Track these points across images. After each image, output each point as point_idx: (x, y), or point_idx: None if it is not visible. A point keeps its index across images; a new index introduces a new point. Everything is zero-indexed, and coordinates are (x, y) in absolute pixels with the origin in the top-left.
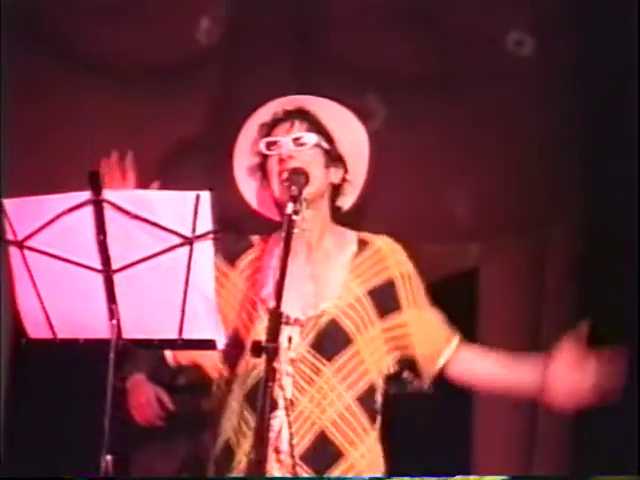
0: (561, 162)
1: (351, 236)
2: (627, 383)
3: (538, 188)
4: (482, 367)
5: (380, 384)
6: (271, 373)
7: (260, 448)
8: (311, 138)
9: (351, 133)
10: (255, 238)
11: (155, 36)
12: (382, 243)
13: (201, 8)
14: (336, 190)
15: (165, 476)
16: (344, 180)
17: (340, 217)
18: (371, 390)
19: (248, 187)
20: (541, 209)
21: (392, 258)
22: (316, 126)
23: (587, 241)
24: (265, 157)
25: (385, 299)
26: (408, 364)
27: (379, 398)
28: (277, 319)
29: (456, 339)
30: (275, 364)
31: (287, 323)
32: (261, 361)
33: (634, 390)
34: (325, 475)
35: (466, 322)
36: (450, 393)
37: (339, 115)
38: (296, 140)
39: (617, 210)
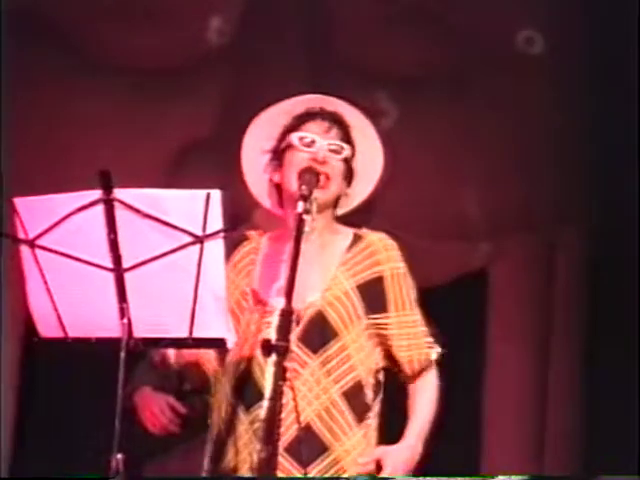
0: (572, 161)
1: (347, 231)
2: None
3: (549, 187)
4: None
5: (369, 381)
6: (282, 372)
7: (270, 446)
8: (345, 149)
9: (369, 154)
10: (251, 232)
11: (166, 35)
12: (375, 238)
13: (212, 7)
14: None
15: (170, 476)
16: (345, 194)
17: (350, 215)
18: (358, 387)
19: (254, 169)
20: (552, 208)
21: (384, 254)
22: (347, 137)
23: (597, 241)
24: (289, 147)
25: (373, 296)
26: (392, 361)
27: (369, 394)
28: (288, 318)
29: (436, 351)
30: (286, 363)
31: (297, 323)
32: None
33: (634, 390)
34: (310, 467)
35: (476, 321)
36: (460, 391)
37: (366, 132)
38: (332, 146)
39: (627, 210)
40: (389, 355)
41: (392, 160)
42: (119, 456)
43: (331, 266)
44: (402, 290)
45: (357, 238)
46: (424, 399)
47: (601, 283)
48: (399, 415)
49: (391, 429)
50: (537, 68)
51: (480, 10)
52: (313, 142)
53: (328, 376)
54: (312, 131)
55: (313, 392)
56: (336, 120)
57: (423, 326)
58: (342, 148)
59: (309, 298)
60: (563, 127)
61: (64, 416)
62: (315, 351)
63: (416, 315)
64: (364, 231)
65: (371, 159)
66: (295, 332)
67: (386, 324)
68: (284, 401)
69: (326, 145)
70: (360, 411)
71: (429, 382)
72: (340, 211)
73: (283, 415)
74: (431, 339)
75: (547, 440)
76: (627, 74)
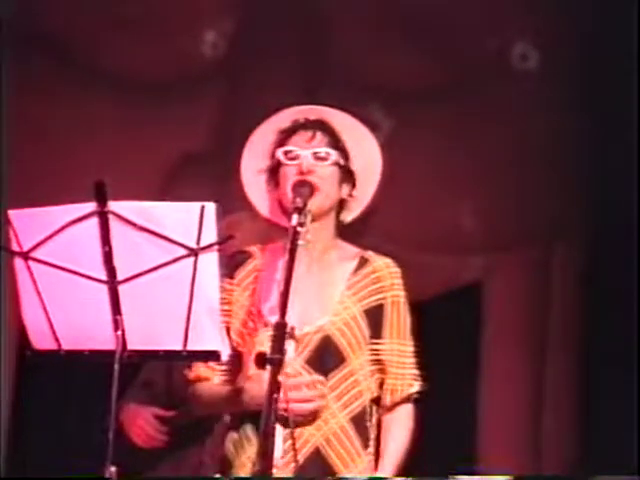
0: (566, 175)
1: (353, 252)
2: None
3: (544, 201)
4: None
5: (368, 409)
6: (275, 385)
7: (265, 459)
8: (331, 154)
9: (366, 151)
10: (253, 249)
11: (161, 49)
12: (382, 263)
13: (206, 21)
14: (341, 205)
15: (168, 476)
16: (350, 196)
17: (344, 228)
18: (364, 413)
19: (255, 188)
20: (547, 222)
21: (388, 281)
22: (335, 141)
23: (593, 255)
24: (279, 164)
25: (375, 322)
26: (379, 389)
27: (368, 422)
28: (282, 331)
29: (417, 386)
30: (279, 376)
31: (292, 336)
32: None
33: (634, 390)
34: None
35: (469, 335)
36: (454, 391)
37: (356, 131)
38: (316, 154)
39: (623, 224)
40: (381, 383)
41: (386, 173)
42: (112, 469)
43: (337, 289)
44: (399, 319)
45: (363, 261)
46: (399, 432)
47: (596, 297)
48: None
49: None
50: (532, 83)
51: (475, 25)
52: (296, 155)
53: (337, 401)
54: (296, 143)
55: (322, 416)
56: (320, 127)
57: (412, 358)
58: (328, 154)
59: (317, 322)
60: (558, 141)
61: (59, 426)
62: (324, 375)
63: (408, 346)
64: (370, 254)
65: (368, 158)
66: (302, 355)
67: (380, 350)
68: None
69: (310, 154)
70: (365, 437)
71: (404, 416)
72: (349, 215)
73: (291, 440)
74: (416, 372)
75: (545, 440)
76: (623, 89)
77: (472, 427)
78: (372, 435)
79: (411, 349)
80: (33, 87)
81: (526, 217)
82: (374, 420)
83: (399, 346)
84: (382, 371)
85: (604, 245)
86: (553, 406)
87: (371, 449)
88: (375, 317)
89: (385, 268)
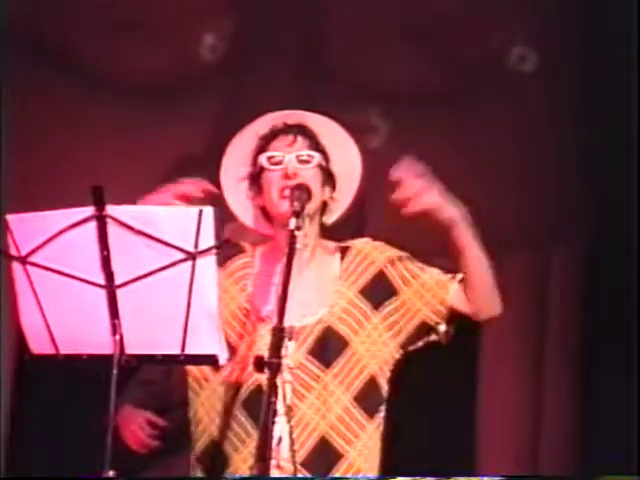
0: (564, 178)
1: (333, 246)
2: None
3: (542, 202)
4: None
5: (384, 371)
6: (274, 389)
7: (263, 461)
8: (314, 157)
9: (345, 153)
10: (245, 244)
11: (159, 52)
12: (362, 242)
13: (205, 24)
14: (323, 207)
15: (166, 476)
16: (331, 198)
17: (339, 230)
18: (372, 382)
19: (236, 197)
20: (545, 223)
21: (375, 252)
22: (315, 144)
23: (591, 255)
24: (262, 170)
25: (378, 291)
26: (426, 329)
27: (384, 385)
28: (280, 335)
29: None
30: (277, 380)
31: (290, 338)
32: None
33: (634, 390)
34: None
35: (468, 336)
36: (454, 391)
37: (335, 133)
38: (299, 158)
39: (624, 227)
40: (424, 321)
41: (381, 176)
42: (110, 473)
43: (329, 282)
44: (404, 268)
45: (345, 249)
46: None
47: (596, 297)
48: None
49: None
50: (530, 85)
51: (473, 27)
52: (280, 160)
53: (340, 385)
54: (278, 148)
55: (327, 404)
56: (300, 131)
57: (432, 272)
58: (311, 156)
59: (317, 314)
60: (558, 144)
61: (57, 431)
62: (328, 365)
63: (425, 277)
64: (349, 242)
65: (348, 160)
66: (305, 347)
67: (403, 303)
68: (295, 419)
69: (294, 158)
70: (373, 405)
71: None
72: (330, 218)
73: (297, 431)
74: (448, 275)
75: (544, 440)
76: (622, 90)
77: (472, 428)
78: (384, 396)
79: (427, 277)
80: (32, 91)
81: (526, 218)
82: (387, 378)
83: (420, 287)
84: (412, 318)
85: (604, 246)
86: (553, 406)
87: (381, 413)
88: (377, 286)
89: (366, 245)
